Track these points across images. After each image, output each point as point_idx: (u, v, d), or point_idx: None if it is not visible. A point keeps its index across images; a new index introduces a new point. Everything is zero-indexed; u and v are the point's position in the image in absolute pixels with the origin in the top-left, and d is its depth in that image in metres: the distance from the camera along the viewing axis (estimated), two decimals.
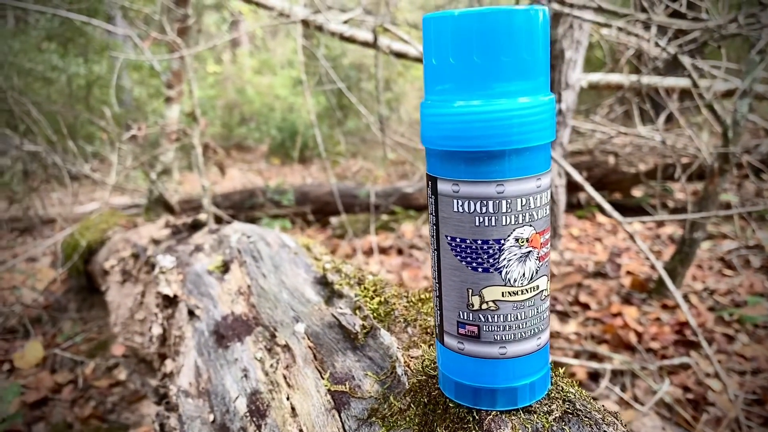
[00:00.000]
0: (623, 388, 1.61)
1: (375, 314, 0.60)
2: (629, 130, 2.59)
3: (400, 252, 2.67)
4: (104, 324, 1.99)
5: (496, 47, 0.33)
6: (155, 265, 0.99)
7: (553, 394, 0.41)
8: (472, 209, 0.35)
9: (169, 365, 0.83)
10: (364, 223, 2.91)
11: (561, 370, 0.46)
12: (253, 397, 0.59)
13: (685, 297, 2.03)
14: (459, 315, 0.38)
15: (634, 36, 1.99)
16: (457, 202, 0.36)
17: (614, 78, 2.54)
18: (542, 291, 0.38)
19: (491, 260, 0.36)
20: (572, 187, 2.89)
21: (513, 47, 0.33)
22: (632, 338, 1.79)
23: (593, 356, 1.75)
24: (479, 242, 0.36)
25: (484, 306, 0.37)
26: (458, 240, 0.36)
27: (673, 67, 2.40)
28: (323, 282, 0.72)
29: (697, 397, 1.55)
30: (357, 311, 0.61)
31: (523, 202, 0.35)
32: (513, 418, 0.38)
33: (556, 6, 1.76)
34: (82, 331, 1.99)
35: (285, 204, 2.99)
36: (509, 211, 0.35)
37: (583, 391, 0.43)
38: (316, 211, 3.12)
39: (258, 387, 0.59)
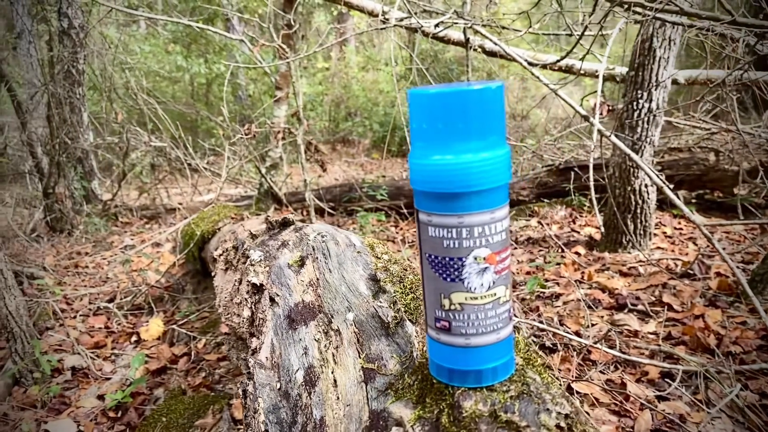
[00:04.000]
0: (696, 390, 1.63)
1: (406, 308, 0.73)
2: (731, 127, 2.51)
3: None
4: (214, 305, 2.25)
5: (453, 118, 0.44)
6: (249, 257, 1.17)
7: (515, 378, 0.52)
8: (441, 234, 0.47)
9: (254, 342, 1.00)
10: None
11: (538, 362, 0.57)
12: (309, 370, 0.73)
13: None
14: (435, 312, 0.50)
15: (719, 36, 1.95)
16: (432, 229, 0.48)
17: (713, 74, 2.47)
18: (499, 298, 0.49)
19: (456, 272, 0.48)
20: (671, 184, 2.84)
21: (466, 118, 0.44)
22: (712, 341, 1.78)
23: (669, 357, 1.77)
24: (447, 259, 0.47)
25: (452, 307, 0.49)
26: (433, 256, 0.48)
27: None
28: (374, 279, 0.86)
29: None
30: (393, 305, 0.74)
31: (480, 230, 0.46)
32: (477, 393, 0.50)
33: (638, 9, 1.78)
34: (197, 310, 2.26)
35: (379, 198, 3.16)
36: (468, 236, 0.47)
37: (549, 378, 0.54)
38: (409, 205, 3.27)
39: (313, 362, 0.74)
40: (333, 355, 0.72)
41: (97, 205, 3.80)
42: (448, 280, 0.48)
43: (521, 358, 0.56)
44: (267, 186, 3.40)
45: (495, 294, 0.49)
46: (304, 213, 3.33)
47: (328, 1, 3.11)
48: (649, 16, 1.65)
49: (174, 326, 2.11)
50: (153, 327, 2.10)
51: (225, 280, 1.45)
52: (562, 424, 0.48)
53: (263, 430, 0.70)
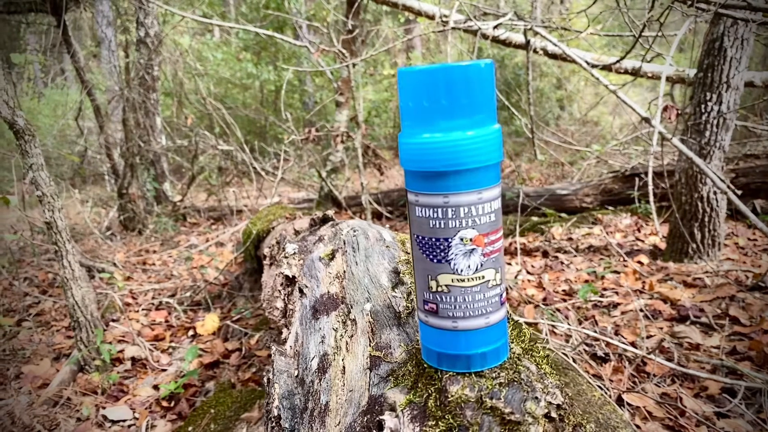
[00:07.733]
0: (759, 409, 1.52)
1: None
2: None
3: (545, 254, 2.69)
4: None
5: (437, 94, 0.44)
6: (285, 250, 1.19)
7: (507, 366, 0.50)
8: (427, 214, 0.46)
9: (284, 333, 1.02)
10: (514, 223, 2.97)
11: (540, 353, 0.55)
12: (323, 357, 0.74)
13: None
14: (424, 294, 0.49)
15: None
16: (419, 209, 0.47)
17: None
18: (488, 281, 0.48)
19: (442, 254, 0.47)
20: (746, 193, 2.69)
21: (451, 95, 0.44)
22: None
23: (732, 372, 1.66)
24: (433, 239, 0.47)
25: (439, 289, 0.48)
26: (421, 237, 0.48)
27: None
28: (396, 271, 0.86)
29: None
30: (407, 296, 0.73)
31: (466, 210, 0.45)
32: (465, 378, 0.49)
33: (701, 6, 1.70)
34: (252, 307, 2.32)
35: None
36: (454, 216, 0.46)
37: (547, 369, 0.52)
38: None
39: (327, 350, 0.74)
40: (346, 344, 0.72)
41: (167, 205, 3.97)
42: (435, 261, 0.47)
43: (521, 347, 0.54)
44: (327, 189, 3.46)
45: (483, 277, 0.47)
46: (362, 216, 3.36)
47: (388, 6, 3.14)
48: (711, 11, 1.57)
49: (228, 322, 2.16)
50: (208, 322, 2.17)
51: (269, 275, 1.48)
52: (553, 415, 0.46)
53: (276, 415, 0.71)
